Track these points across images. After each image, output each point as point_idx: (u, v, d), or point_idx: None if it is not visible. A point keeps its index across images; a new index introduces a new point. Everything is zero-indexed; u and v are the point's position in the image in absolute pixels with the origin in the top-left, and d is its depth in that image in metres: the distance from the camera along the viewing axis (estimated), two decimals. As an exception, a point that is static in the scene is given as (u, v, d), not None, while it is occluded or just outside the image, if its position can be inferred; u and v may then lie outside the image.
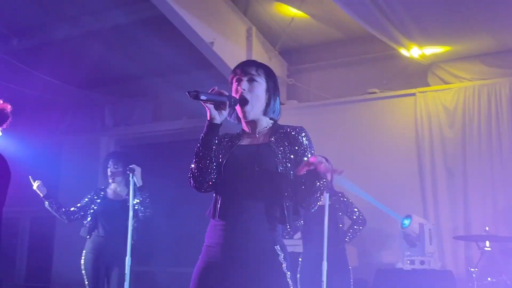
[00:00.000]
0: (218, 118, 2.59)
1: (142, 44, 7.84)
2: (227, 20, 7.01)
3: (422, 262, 5.84)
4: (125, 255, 4.95)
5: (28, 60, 7.90)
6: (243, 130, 2.82)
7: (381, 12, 5.53)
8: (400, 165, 6.66)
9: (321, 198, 2.62)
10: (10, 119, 4.10)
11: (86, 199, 5.67)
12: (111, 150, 9.21)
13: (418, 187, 6.52)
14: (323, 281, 4.66)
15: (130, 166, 5.15)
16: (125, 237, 5.00)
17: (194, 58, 7.81)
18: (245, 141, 2.76)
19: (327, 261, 4.76)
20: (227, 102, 2.58)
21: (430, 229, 5.89)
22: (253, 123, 2.77)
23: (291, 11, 6.94)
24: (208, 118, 2.59)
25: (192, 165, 2.68)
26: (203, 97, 2.50)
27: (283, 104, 7.55)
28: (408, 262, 5.84)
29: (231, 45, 7.00)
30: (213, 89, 2.57)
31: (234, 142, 2.75)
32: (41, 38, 7.80)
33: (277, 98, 2.82)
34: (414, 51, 6.40)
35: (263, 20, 7.28)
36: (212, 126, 2.60)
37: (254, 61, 2.83)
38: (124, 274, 4.93)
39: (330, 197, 5.27)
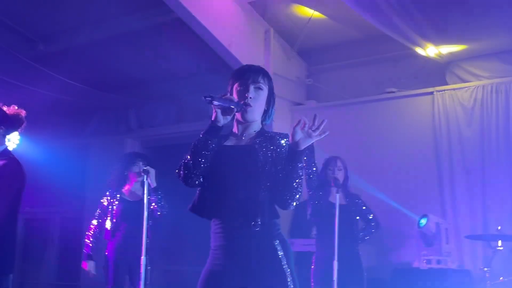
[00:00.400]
0: (222, 121, 2.70)
1: (164, 48, 7.98)
2: (245, 22, 7.08)
3: (438, 262, 5.84)
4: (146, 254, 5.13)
5: (54, 64, 8.09)
6: (231, 131, 2.90)
7: (395, 12, 5.54)
8: (418, 165, 6.66)
9: (300, 190, 2.68)
10: (25, 123, 4.26)
11: (105, 202, 5.78)
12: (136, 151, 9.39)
13: (436, 186, 6.51)
14: (334, 280, 4.69)
15: (145, 168, 5.26)
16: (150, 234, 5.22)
17: (216, 60, 7.93)
18: (230, 142, 2.85)
19: (341, 262, 4.78)
20: (235, 109, 2.71)
21: (446, 229, 5.89)
22: (245, 126, 2.85)
23: (309, 12, 6.99)
24: (213, 119, 2.70)
25: (186, 159, 2.78)
26: (216, 103, 2.62)
27: (302, 104, 7.67)
28: (425, 261, 5.85)
29: (249, 47, 7.07)
30: (225, 95, 2.70)
31: (223, 143, 2.84)
32: (66, 43, 7.99)
33: (274, 103, 2.92)
34: (430, 50, 6.40)
35: (280, 21, 7.33)
36: (215, 128, 2.72)
37: (259, 67, 2.94)
38: (147, 271, 5.08)
39: (344, 198, 5.29)
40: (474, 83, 6.56)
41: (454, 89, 6.65)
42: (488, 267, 4.83)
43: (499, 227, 4.87)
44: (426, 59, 6.71)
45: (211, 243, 2.81)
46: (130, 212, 5.62)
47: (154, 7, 6.93)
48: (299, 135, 2.56)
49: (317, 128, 2.54)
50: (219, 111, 2.67)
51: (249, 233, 2.67)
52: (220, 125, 2.70)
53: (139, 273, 5.29)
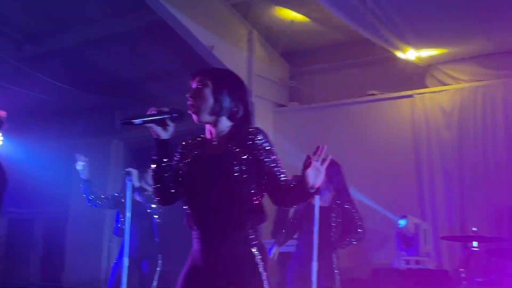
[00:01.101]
0: (164, 134, 2.71)
1: (148, 50, 8.03)
2: (228, 24, 7.14)
3: (417, 262, 5.90)
4: (154, 250, 5.42)
5: (40, 65, 8.12)
6: (205, 136, 2.91)
7: (375, 16, 5.60)
8: (397, 166, 6.72)
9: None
10: (5, 125, 4.27)
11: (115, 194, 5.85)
12: (121, 152, 9.43)
13: (415, 188, 6.58)
14: (312, 281, 4.74)
15: (127, 169, 5.31)
16: (151, 233, 5.50)
17: (199, 62, 7.98)
18: (205, 150, 2.84)
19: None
20: (167, 118, 2.68)
21: (425, 229, 5.96)
22: (212, 127, 2.85)
23: (292, 14, 7.05)
24: (154, 136, 2.72)
25: (151, 182, 2.81)
26: (136, 122, 2.60)
27: (284, 106, 7.73)
28: (404, 262, 5.91)
29: (232, 49, 7.13)
30: (150, 110, 2.68)
31: (196, 153, 2.84)
32: (52, 44, 8.01)
33: (233, 98, 2.85)
34: (410, 54, 6.48)
35: (264, 23, 7.39)
36: (159, 143, 2.73)
37: (204, 68, 2.96)
38: (155, 264, 5.39)
39: (331, 200, 5.26)
40: (453, 86, 6.66)
41: (433, 92, 6.73)
42: (463, 268, 4.88)
43: (474, 228, 4.93)
44: (406, 63, 6.77)
45: (193, 246, 2.86)
46: (136, 211, 5.72)
47: (139, 9, 6.96)
48: (311, 176, 2.54)
49: (322, 158, 2.54)
50: (152, 126, 2.68)
51: (225, 242, 2.72)
52: (165, 138, 2.71)
53: (149, 265, 5.47)
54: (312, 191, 2.58)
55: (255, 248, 2.75)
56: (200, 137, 2.94)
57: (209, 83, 2.82)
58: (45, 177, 9.24)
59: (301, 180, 2.58)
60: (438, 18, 5.78)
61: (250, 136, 2.78)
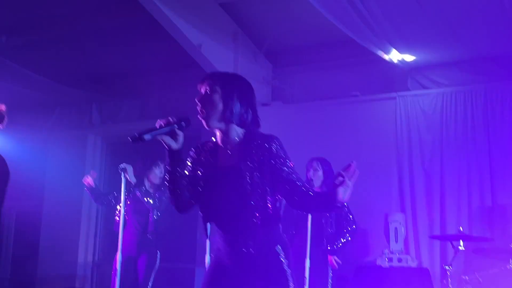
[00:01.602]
0: (175, 145, 2.72)
1: (129, 43, 8.00)
2: (215, 23, 7.18)
3: (399, 260, 6.10)
4: (152, 245, 5.50)
5: (16, 57, 8.01)
6: (216, 142, 2.92)
7: (362, 18, 5.75)
8: (379, 166, 6.87)
9: None
10: (6, 119, 4.25)
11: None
12: (98, 147, 9.38)
13: (396, 187, 6.76)
14: (305, 277, 4.89)
15: (121, 165, 5.35)
16: (151, 230, 5.58)
17: (181, 57, 8.00)
18: (219, 160, 2.88)
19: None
20: (176, 128, 2.69)
21: (407, 228, 6.17)
22: (223, 134, 2.88)
23: (277, 14, 7.14)
24: (166, 148, 2.73)
25: (168, 190, 2.85)
26: (147, 137, 2.60)
27: (268, 105, 7.82)
28: (387, 259, 6.10)
29: (218, 48, 7.18)
30: (158, 122, 2.69)
31: (210, 161, 2.89)
32: (30, 35, 7.90)
33: (242, 104, 2.87)
34: (394, 56, 6.65)
35: (249, 22, 7.47)
36: (172, 154, 2.75)
37: (213, 73, 2.98)
38: (152, 259, 5.47)
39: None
40: (435, 90, 6.86)
41: (415, 95, 6.92)
42: (449, 266, 5.08)
43: (461, 228, 5.14)
44: (390, 65, 6.95)
45: (215, 244, 2.94)
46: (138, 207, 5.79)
47: (122, 3, 6.94)
48: (342, 193, 2.61)
49: (350, 174, 2.61)
50: (164, 137, 2.68)
51: (249, 242, 2.80)
52: (176, 148, 2.73)
53: (147, 259, 5.52)
54: (339, 205, 2.69)
55: (278, 246, 2.85)
56: (211, 142, 2.96)
57: (218, 88, 2.84)
58: (19, 170, 9.10)
59: (330, 192, 2.67)
60: (422, 24, 5.96)
61: (265, 144, 2.81)
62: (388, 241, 6.26)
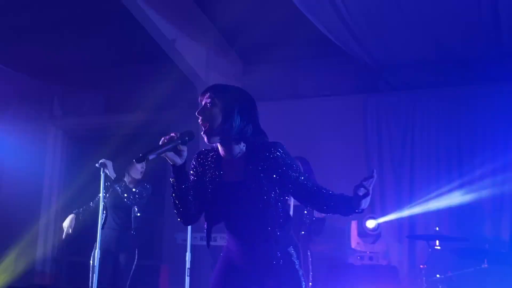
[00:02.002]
0: (179, 160, 2.67)
1: (94, 34, 7.84)
2: (188, 17, 7.12)
3: (371, 258, 6.21)
4: (131, 243, 5.42)
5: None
6: (219, 153, 2.87)
7: (339, 17, 5.83)
8: (349, 166, 6.95)
9: None
10: None
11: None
12: (59, 140, 9.15)
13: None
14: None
15: (101, 161, 5.25)
16: (129, 226, 5.54)
17: (149, 50, 7.90)
18: (224, 174, 2.84)
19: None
20: (179, 144, 2.64)
21: (379, 226, 6.28)
22: (225, 148, 2.83)
23: (249, 11, 7.13)
24: (170, 163, 2.68)
25: (173, 204, 2.80)
26: (151, 157, 2.54)
27: (238, 102, 7.80)
28: (358, 257, 6.20)
29: (192, 43, 7.12)
30: (162, 140, 2.63)
31: (215, 174, 2.84)
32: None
33: (243, 118, 2.82)
34: (365, 57, 6.76)
35: (222, 19, 7.42)
36: (176, 170, 2.70)
37: (215, 85, 2.90)
38: (131, 257, 5.40)
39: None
40: (405, 91, 7.01)
41: (386, 96, 7.05)
42: (424, 265, 5.21)
43: (437, 228, 5.26)
44: (361, 66, 7.06)
45: (226, 242, 2.93)
46: (118, 203, 5.70)
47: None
48: (365, 201, 2.72)
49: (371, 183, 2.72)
50: (168, 154, 2.63)
51: (261, 246, 2.82)
52: (180, 163, 2.68)
53: (125, 258, 5.50)
54: (359, 212, 2.76)
55: (291, 247, 2.88)
56: (214, 151, 2.91)
57: (218, 101, 2.79)
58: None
59: (352, 199, 2.73)
60: (398, 24, 6.09)
61: (268, 153, 2.81)
62: (360, 240, 6.35)
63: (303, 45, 7.57)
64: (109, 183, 5.54)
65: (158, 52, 7.23)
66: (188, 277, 4.97)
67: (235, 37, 7.66)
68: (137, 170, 5.70)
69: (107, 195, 5.63)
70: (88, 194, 8.06)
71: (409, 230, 6.54)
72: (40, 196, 8.81)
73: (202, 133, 2.79)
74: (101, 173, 5.17)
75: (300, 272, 2.86)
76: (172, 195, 2.77)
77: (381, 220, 6.35)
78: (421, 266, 5.24)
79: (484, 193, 6.12)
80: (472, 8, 5.52)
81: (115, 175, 5.41)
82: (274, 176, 2.79)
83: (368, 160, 6.93)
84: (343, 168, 6.89)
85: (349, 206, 2.75)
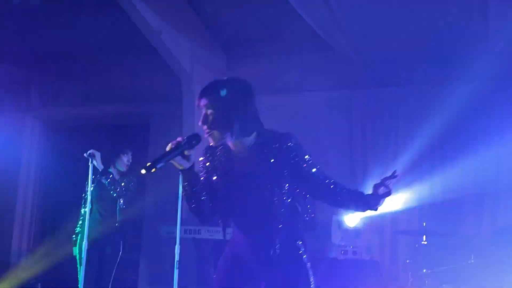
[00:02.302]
0: (187, 163, 2.64)
1: (76, 23, 7.74)
2: (174, 9, 7.07)
3: (354, 253, 6.27)
4: (116, 235, 5.38)
5: None
6: (228, 146, 2.86)
7: (331, 13, 5.87)
8: (333, 161, 6.98)
9: None
10: None
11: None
12: (36, 130, 9.00)
13: (349, 183, 6.89)
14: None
15: (90, 151, 5.18)
16: (114, 218, 5.47)
17: (132, 42, 7.81)
18: (235, 166, 2.84)
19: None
20: (186, 148, 2.61)
21: (365, 223, 6.35)
22: (234, 144, 2.83)
23: (234, 6, 7.12)
24: (179, 168, 2.66)
25: (187, 206, 2.80)
26: (160, 165, 2.52)
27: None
28: (342, 252, 6.25)
29: (178, 36, 7.07)
30: (169, 146, 2.62)
31: (225, 167, 2.84)
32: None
33: (246, 111, 2.84)
34: (352, 52, 6.81)
35: (207, 12, 7.40)
36: (185, 173, 2.68)
37: (207, 89, 2.85)
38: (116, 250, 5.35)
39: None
40: (390, 87, 7.09)
41: (371, 92, 7.11)
42: (409, 260, 5.28)
43: (424, 223, 5.33)
44: (347, 61, 7.11)
45: (232, 236, 2.93)
46: (103, 194, 5.65)
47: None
48: (383, 200, 2.79)
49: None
50: (176, 159, 2.60)
51: (269, 238, 2.82)
52: (188, 166, 2.65)
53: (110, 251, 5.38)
54: (375, 210, 2.81)
55: (299, 240, 2.89)
56: (222, 146, 2.90)
57: (218, 104, 2.75)
58: None
59: (367, 195, 2.81)
60: (387, 21, 6.16)
61: (280, 144, 2.83)
62: (342, 234, 6.41)
63: (288, 40, 7.57)
64: (95, 175, 5.48)
65: (142, 44, 7.17)
66: (177, 270, 4.93)
67: (220, 30, 7.64)
68: (123, 162, 5.65)
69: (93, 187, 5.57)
70: (67, 185, 8.01)
71: (391, 225, 6.61)
72: (16, 187, 8.65)
73: (207, 136, 2.76)
74: (89, 164, 5.11)
75: (308, 265, 2.88)
76: (185, 197, 2.75)
77: (363, 215, 6.39)
78: (407, 261, 5.30)
79: (467, 188, 6.20)
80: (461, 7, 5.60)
81: (102, 167, 5.35)
82: (286, 167, 2.79)
83: (352, 156, 6.98)
84: (327, 162, 6.90)
85: (364, 203, 2.78)
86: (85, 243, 5.00)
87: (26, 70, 8.68)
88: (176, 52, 6.99)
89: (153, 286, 7.63)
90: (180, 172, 2.68)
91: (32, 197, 8.83)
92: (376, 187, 2.76)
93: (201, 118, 2.76)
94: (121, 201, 5.60)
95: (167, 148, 2.59)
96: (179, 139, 2.62)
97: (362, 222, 6.38)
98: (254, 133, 2.84)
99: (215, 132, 2.74)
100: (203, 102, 2.77)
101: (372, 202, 2.75)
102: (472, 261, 5.07)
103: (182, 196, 2.75)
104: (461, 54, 6.48)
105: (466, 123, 6.57)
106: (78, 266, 5.32)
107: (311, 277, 2.85)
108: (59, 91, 8.78)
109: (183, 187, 2.72)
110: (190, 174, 2.69)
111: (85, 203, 5.59)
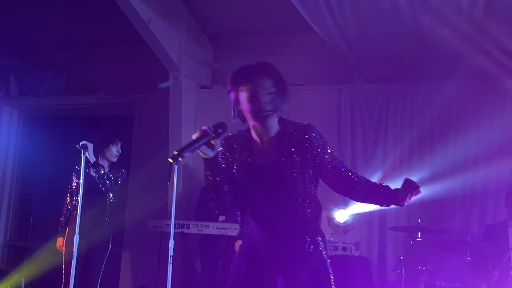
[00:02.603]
0: (212, 153, 2.60)
1: (58, 13, 7.58)
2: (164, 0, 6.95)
3: (344, 249, 6.23)
4: (105, 229, 5.28)
5: None
6: (247, 136, 2.82)
7: (328, 8, 5.82)
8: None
9: None
10: None
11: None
12: (15, 120, 8.77)
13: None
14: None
15: (82, 142, 5.02)
16: (103, 212, 5.33)
17: (114, 32, 7.69)
18: (257, 157, 2.78)
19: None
20: (212, 137, 2.57)
21: (353, 218, 6.33)
22: (262, 127, 2.76)
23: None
24: (203, 157, 2.62)
25: (208, 196, 2.74)
26: (187, 154, 2.50)
27: (208, 88, 7.70)
28: (332, 248, 6.21)
29: (166, 26, 6.94)
30: (194, 134, 2.57)
31: (246, 158, 2.78)
32: None
33: (281, 91, 2.77)
34: (345, 48, 6.77)
35: (196, 3, 7.29)
36: (209, 163, 2.64)
37: (249, 69, 2.77)
38: (104, 245, 5.27)
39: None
40: (379, 83, 7.07)
41: (360, 87, 7.07)
42: (403, 256, 5.26)
43: (419, 220, 5.31)
44: (336, 56, 7.08)
45: (249, 227, 2.85)
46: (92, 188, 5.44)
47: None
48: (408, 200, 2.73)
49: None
50: (201, 148, 2.56)
51: (289, 234, 2.76)
52: (212, 155, 2.61)
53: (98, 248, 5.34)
54: (401, 205, 2.78)
55: (319, 236, 2.82)
56: (241, 136, 2.85)
57: (280, 85, 2.75)
58: None
59: (392, 190, 2.75)
60: (377, 19, 6.14)
61: (303, 135, 2.77)
62: (331, 230, 6.37)
63: (277, 33, 7.53)
64: (89, 167, 5.31)
65: (129, 33, 7.03)
66: (171, 265, 4.81)
67: (208, 22, 7.53)
68: (113, 153, 5.46)
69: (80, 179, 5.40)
70: (47, 176, 7.83)
71: (380, 221, 6.60)
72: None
73: (267, 117, 2.70)
74: (82, 155, 4.94)
75: (328, 263, 2.82)
76: (207, 187, 2.69)
77: (352, 211, 6.37)
78: (401, 257, 5.28)
79: (456, 185, 6.21)
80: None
81: (94, 159, 5.19)
82: (308, 158, 2.74)
83: (341, 152, 6.93)
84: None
85: (391, 197, 2.72)
86: (76, 237, 4.84)
87: (5, 58, 8.44)
88: (164, 42, 6.86)
89: (135, 279, 7.52)
90: (203, 161, 2.62)
91: (10, 188, 8.62)
92: (408, 183, 2.70)
93: (264, 98, 2.68)
94: (111, 195, 5.45)
95: (193, 137, 2.53)
96: (205, 127, 2.54)
97: (352, 218, 6.34)
98: (277, 122, 2.80)
99: (273, 114, 2.72)
100: (269, 82, 2.72)
101: (399, 197, 2.69)
102: (468, 258, 5.07)
103: (206, 185, 2.69)
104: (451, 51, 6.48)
105: (455, 119, 6.59)
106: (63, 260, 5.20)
107: (331, 276, 2.79)
108: (40, 80, 8.55)
109: (205, 176, 2.66)
110: (213, 163, 2.63)
111: (71, 194, 5.43)
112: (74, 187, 5.40)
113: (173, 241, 5.03)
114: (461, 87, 6.55)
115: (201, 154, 2.59)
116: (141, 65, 7.79)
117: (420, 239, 5.23)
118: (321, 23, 6.28)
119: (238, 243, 5.09)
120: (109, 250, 5.42)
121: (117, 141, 5.45)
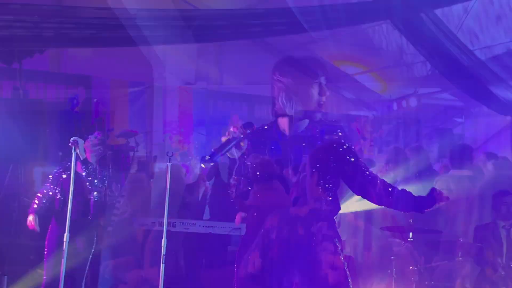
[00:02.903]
0: (239, 152, 2.79)
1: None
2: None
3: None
4: (89, 227, 5.20)
5: None
6: (274, 131, 2.85)
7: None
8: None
9: None
10: None
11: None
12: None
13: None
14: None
15: (73, 139, 4.88)
16: (87, 210, 5.23)
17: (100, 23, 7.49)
18: (283, 151, 2.92)
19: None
20: (242, 139, 2.71)
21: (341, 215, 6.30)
22: (290, 121, 2.80)
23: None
24: (230, 157, 2.75)
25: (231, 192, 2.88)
26: (218, 159, 2.68)
27: (192, 84, 7.65)
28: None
29: (151, 21, 6.81)
30: (224, 137, 2.72)
31: (273, 151, 2.83)
32: None
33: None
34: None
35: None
36: (234, 162, 2.78)
37: (298, 64, 2.87)
38: (89, 243, 5.18)
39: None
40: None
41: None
42: (395, 256, 5.25)
43: (410, 221, 5.30)
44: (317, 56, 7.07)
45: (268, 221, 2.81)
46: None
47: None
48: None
49: None
50: (231, 151, 2.68)
51: (309, 230, 2.73)
52: (238, 156, 2.79)
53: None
54: (423, 212, 2.85)
55: (336, 239, 2.80)
56: (267, 131, 2.90)
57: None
58: None
59: (423, 198, 2.79)
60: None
61: (328, 133, 2.87)
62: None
63: (259, 29, 7.47)
64: (69, 164, 5.16)
65: (114, 28, 6.86)
66: (163, 264, 4.73)
67: (192, 17, 7.41)
68: (82, 148, 5.27)
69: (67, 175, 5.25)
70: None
71: (365, 220, 6.59)
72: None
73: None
74: (73, 152, 4.80)
75: (345, 265, 2.80)
76: (232, 187, 2.83)
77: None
78: (392, 257, 5.28)
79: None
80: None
81: (84, 156, 5.06)
82: (333, 157, 2.77)
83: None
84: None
85: (415, 204, 2.73)
86: (66, 236, 4.71)
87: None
88: (150, 38, 6.75)
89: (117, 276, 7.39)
90: (230, 161, 2.74)
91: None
92: (432, 190, 2.70)
93: (324, 90, 2.88)
94: (95, 193, 5.32)
95: (223, 140, 2.53)
96: (232, 129, 2.54)
97: (338, 218, 6.32)
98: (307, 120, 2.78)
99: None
100: (325, 75, 2.96)
101: (424, 204, 2.70)
102: (460, 258, 5.09)
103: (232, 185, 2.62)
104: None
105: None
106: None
107: (349, 279, 2.77)
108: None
109: (229, 174, 2.65)
110: (240, 163, 2.72)
111: (54, 183, 5.30)
112: (60, 179, 5.26)
113: (165, 239, 4.99)
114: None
115: (229, 155, 2.58)
116: (126, 59, 7.63)
117: (411, 239, 5.23)
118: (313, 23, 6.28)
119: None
120: (94, 248, 5.29)
121: (94, 131, 5.37)
